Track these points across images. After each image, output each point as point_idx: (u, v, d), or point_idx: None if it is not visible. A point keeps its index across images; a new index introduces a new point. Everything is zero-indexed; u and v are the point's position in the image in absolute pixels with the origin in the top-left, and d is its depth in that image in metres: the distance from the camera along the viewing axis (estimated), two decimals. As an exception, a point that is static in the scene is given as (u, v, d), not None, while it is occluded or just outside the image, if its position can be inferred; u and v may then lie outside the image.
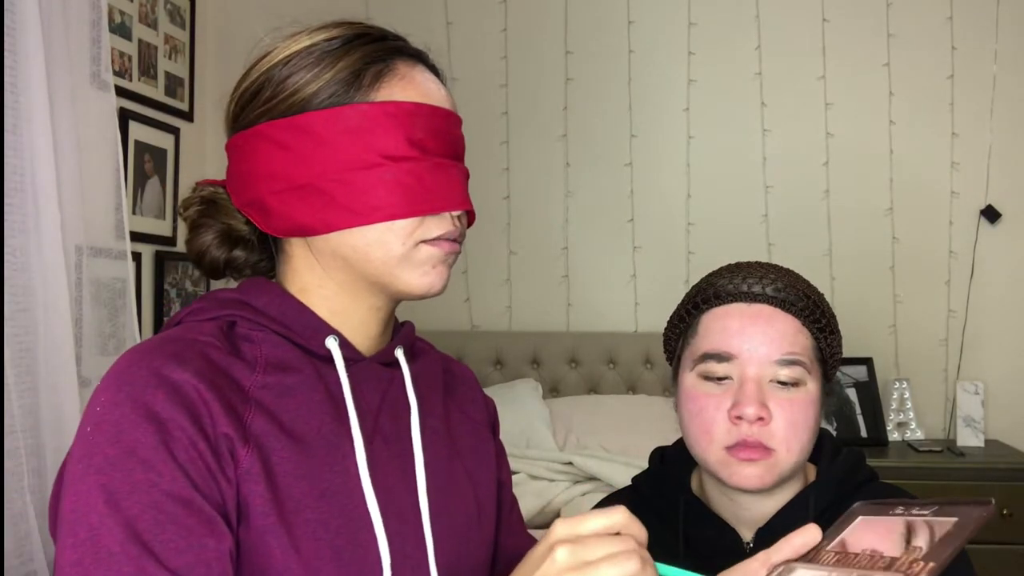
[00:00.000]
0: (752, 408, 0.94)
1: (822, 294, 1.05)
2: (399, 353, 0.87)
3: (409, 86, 0.80)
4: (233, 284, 0.87)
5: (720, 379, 0.98)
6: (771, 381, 0.97)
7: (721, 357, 0.98)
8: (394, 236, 0.78)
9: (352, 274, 0.81)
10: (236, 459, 0.72)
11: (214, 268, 0.87)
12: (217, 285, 2.49)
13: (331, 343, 0.81)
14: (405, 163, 0.78)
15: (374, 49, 0.81)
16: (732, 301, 1.00)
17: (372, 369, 0.84)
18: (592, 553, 0.64)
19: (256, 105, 0.81)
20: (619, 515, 0.66)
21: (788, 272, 1.04)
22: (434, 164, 0.80)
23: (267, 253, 0.88)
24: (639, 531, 0.67)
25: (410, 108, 0.79)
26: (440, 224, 0.80)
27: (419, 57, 0.84)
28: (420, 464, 0.83)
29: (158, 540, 0.67)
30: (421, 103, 0.80)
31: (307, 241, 0.82)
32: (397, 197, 0.77)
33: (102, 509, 0.67)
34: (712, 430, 0.97)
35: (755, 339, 0.97)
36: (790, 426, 0.95)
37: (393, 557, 0.77)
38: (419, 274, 0.80)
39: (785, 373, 0.97)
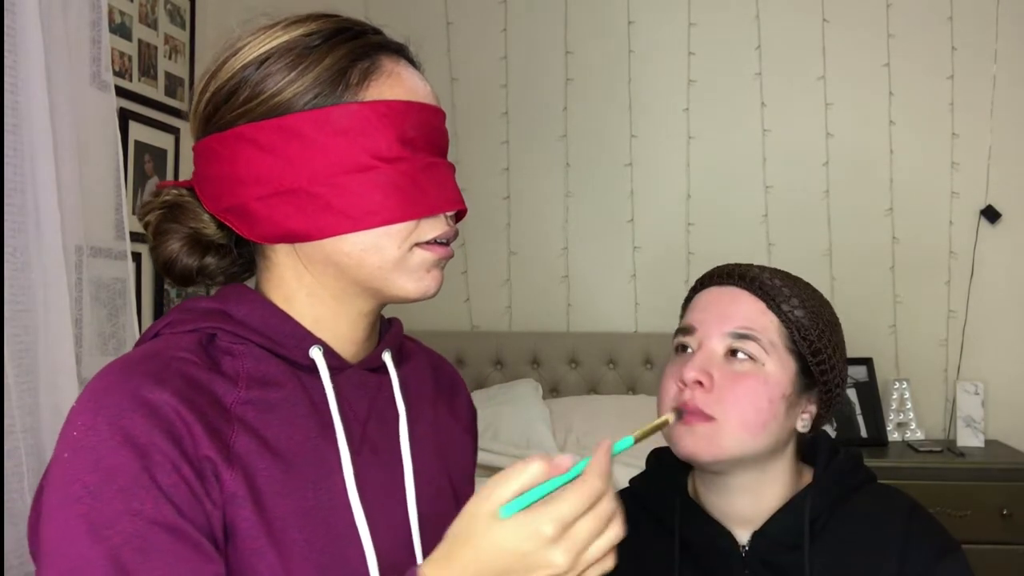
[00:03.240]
0: (692, 372, 0.96)
1: (821, 296, 1.05)
2: (386, 357, 0.85)
3: (396, 83, 0.77)
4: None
5: (685, 351, 1.02)
6: (726, 355, 0.99)
7: (686, 331, 1.02)
8: (390, 240, 0.76)
9: (343, 280, 0.78)
10: (221, 482, 0.70)
11: (186, 277, 0.82)
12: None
13: (315, 353, 0.78)
14: (398, 164, 0.75)
15: (357, 45, 0.77)
16: (711, 285, 1.05)
17: (359, 376, 0.82)
18: (591, 555, 0.64)
19: (233, 106, 0.76)
20: (594, 486, 0.65)
21: (790, 276, 1.05)
22: (425, 163, 0.77)
23: (242, 259, 0.84)
24: (607, 485, 0.66)
25: (401, 107, 0.76)
26: (435, 225, 0.78)
27: (401, 52, 0.81)
28: (409, 473, 0.81)
29: (143, 570, 0.64)
30: (411, 101, 0.77)
31: (295, 247, 0.78)
32: (394, 200, 0.75)
33: (84, 541, 0.64)
34: (664, 398, 1.01)
35: (714, 313, 1.01)
36: (734, 397, 0.96)
37: (382, 571, 0.75)
38: (414, 279, 0.78)
39: (737, 345, 0.98)
